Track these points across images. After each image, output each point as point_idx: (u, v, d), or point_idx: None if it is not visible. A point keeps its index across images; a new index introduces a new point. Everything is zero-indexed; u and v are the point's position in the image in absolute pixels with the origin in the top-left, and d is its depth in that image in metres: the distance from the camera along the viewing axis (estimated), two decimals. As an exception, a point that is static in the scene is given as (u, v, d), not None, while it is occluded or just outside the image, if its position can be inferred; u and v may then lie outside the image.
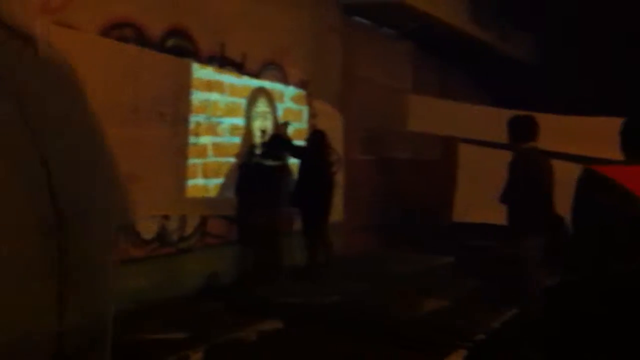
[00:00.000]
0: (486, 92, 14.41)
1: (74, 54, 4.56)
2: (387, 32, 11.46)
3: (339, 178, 8.78)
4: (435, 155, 12.50)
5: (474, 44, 12.88)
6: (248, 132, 7.92)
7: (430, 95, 11.51)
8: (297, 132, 8.78)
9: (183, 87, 7.02)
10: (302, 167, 8.03)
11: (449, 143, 10.39)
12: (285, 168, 8.13)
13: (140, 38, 6.48)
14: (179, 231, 7.00)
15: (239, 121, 7.82)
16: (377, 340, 5.62)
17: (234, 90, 7.74)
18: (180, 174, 7.02)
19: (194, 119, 7.14)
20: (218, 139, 7.50)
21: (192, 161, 7.14)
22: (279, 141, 7.99)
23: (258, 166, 7.70)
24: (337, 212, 8.82)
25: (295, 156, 8.11)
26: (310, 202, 7.89)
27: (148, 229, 6.61)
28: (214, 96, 7.42)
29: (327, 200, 8.05)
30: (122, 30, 6.28)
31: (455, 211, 9.21)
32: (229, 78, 7.66)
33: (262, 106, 8.19)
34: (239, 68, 7.83)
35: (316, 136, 8.25)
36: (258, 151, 7.86)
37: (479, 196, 7.74)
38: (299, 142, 8.55)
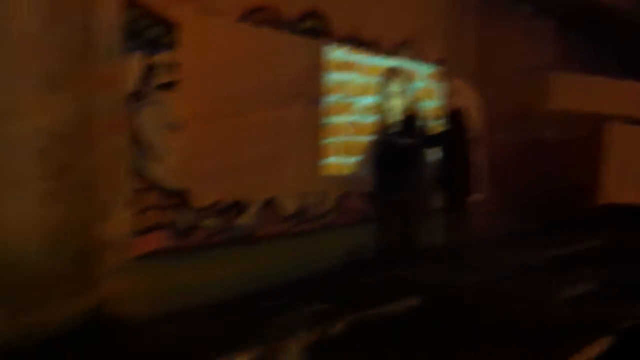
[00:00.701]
0: (634, 67, 13.63)
1: (215, 40, 4.81)
2: (526, 8, 11.06)
3: (480, 158, 8.60)
4: (580, 135, 11.95)
5: (621, 17, 12.20)
6: (383, 111, 7.94)
7: (574, 71, 11.03)
8: (432, 111, 8.69)
9: (318, 68, 7.13)
10: (442, 147, 7.98)
11: (595, 121, 9.92)
12: (420, 147, 8.07)
13: (277, 21, 6.63)
14: (318, 208, 7.13)
15: (374, 100, 7.85)
16: (515, 324, 5.45)
17: (368, 70, 7.78)
18: (318, 152, 7.16)
19: (329, 99, 7.24)
20: (353, 118, 7.57)
21: (329, 140, 7.25)
22: (413, 121, 7.97)
23: (393, 145, 7.70)
24: (479, 192, 8.66)
25: (431, 145, 8.04)
26: (450, 181, 7.81)
27: (289, 206, 6.80)
28: (349, 76, 7.49)
29: (466, 180, 7.94)
30: (260, 14, 6.45)
31: (602, 192, 8.78)
32: (363, 58, 7.69)
33: (396, 85, 8.17)
34: (374, 48, 7.84)
35: (455, 115, 8.14)
36: (393, 130, 7.86)
37: (628, 177, 7.38)
38: (433, 122, 8.47)
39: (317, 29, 7.11)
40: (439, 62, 8.86)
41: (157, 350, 4.63)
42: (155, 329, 5.05)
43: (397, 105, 8.04)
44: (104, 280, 5.08)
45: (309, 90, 7.02)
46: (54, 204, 4.78)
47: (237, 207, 6.23)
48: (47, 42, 4.75)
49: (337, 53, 7.34)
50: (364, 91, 7.72)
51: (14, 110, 4.52)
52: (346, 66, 7.47)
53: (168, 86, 5.60)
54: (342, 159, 7.43)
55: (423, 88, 8.64)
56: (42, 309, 4.64)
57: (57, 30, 4.82)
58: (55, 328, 4.66)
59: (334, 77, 7.30)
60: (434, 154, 8.09)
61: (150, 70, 5.48)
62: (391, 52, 8.11)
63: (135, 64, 5.36)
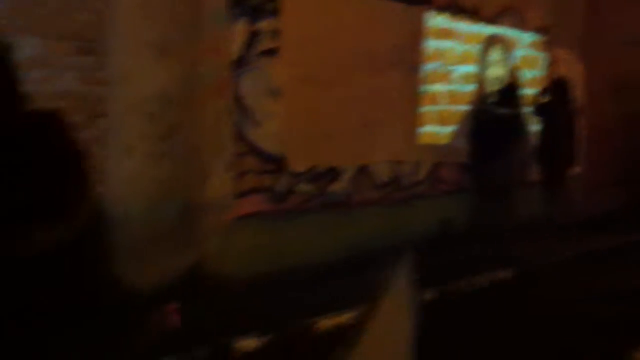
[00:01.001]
0: None
1: (316, 7, 4.87)
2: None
3: (581, 129, 8.35)
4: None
5: None
6: (482, 81, 7.81)
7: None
8: (533, 81, 8.49)
9: (418, 35, 7.10)
10: (544, 118, 7.79)
11: None
12: (519, 117, 7.91)
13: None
14: (412, 176, 7.16)
15: (473, 69, 7.74)
16: (594, 306, 5.34)
17: (468, 38, 7.67)
18: (414, 121, 7.16)
19: (428, 67, 7.20)
20: (451, 87, 7.51)
21: (426, 109, 7.24)
22: (513, 90, 7.78)
23: (491, 115, 7.56)
24: (578, 165, 8.43)
25: (533, 116, 7.85)
26: (550, 154, 7.61)
27: (383, 174, 6.86)
28: (449, 44, 7.42)
29: (569, 153, 7.72)
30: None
31: None
32: (464, 26, 7.59)
33: (497, 54, 8.01)
34: (475, 15, 7.71)
35: (558, 85, 7.91)
36: (491, 100, 7.71)
37: None
38: (534, 92, 8.28)
39: (417, -4, 7.06)
40: (541, 30, 8.62)
41: (253, 309, 4.83)
42: (251, 288, 5.24)
43: (496, 75, 7.88)
44: (205, 239, 5.32)
45: (408, 58, 7.00)
46: (162, 164, 5.03)
47: (332, 174, 6.35)
48: (158, 9, 4.94)
49: (438, 20, 7.28)
50: (463, 60, 7.63)
51: (127, 76, 4.75)
52: (446, 34, 7.40)
53: (270, 53, 5.72)
54: (438, 128, 7.41)
55: (524, 57, 8.44)
56: (146, 266, 4.88)
57: (168, -2, 5.01)
58: (157, 285, 4.90)
59: (434, 44, 7.25)
60: (533, 125, 7.92)
61: (254, 37, 5.61)
62: (492, 20, 7.95)
63: (240, 31, 5.50)
